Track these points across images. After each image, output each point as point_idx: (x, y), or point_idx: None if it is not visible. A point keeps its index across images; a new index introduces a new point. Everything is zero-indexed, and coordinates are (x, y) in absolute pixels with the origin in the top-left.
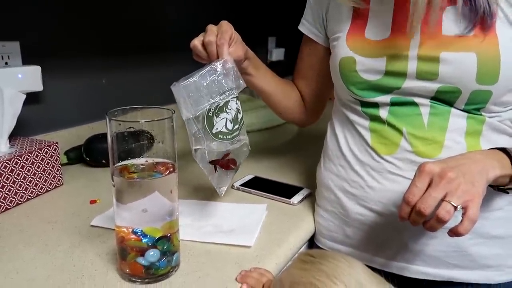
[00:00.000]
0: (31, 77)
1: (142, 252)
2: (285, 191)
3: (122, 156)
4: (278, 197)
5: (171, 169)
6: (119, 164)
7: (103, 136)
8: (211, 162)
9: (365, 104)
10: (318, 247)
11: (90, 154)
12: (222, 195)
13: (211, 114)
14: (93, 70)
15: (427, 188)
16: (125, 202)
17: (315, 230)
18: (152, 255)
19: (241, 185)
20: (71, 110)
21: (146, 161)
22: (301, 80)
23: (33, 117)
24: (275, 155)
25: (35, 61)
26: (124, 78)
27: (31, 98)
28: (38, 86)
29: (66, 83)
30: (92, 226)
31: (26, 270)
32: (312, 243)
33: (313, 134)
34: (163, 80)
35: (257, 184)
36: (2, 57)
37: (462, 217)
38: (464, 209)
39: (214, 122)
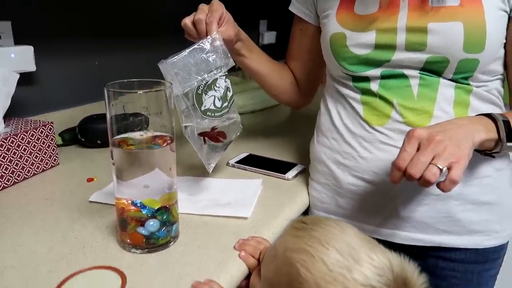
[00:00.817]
0: (23, 57)
1: (142, 223)
2: (280, 167)
3: (120, 131)
4: (273, 172)
5: (169, 141)
6: (118, 137)
7: (98, 117)
8: (200, 134)
9: (356, 79)
10: None
11: (85, 134)
12: (210, 171)
13: (200, 92)
14: (86, 51)
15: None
16: (125, 179)
17: (309, 203)
18: (152, 225)
19: (236, 162)
20: (63, 92)
21: (145, 133)
22: (294, 61)
23: (26, 98)
24: (269, 135)
25: (27, 41)
26: (116, 60)
27: (24, 79)
28: (31, 66)
29: (59, 64)
30: (91, 202)
31: (28, 244)
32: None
33: (305, 115)
34: (156, 62)
35: (252, 161)
36: None
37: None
38: (449, 170)
39: (203, 100)
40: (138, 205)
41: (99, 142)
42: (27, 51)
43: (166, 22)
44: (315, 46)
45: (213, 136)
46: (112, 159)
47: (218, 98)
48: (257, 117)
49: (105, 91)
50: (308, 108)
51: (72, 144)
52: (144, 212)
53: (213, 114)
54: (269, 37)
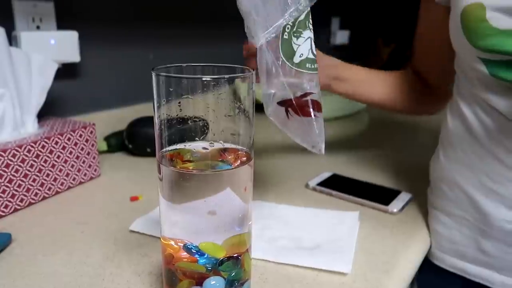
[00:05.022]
0: (66, 44)
1: (198, 280)
2: (378, 195)
3: (174, 138)
4: (370, 202)
5: (245, 159)
6: (170, 148)
7: (150, 120)
8: (280, 104)
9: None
10: (435, 266)
11: (133, 140)
12: (323, 151)
13: (287, 36)
14: (139, 42)
15: None
16: (177, 201)
17: (430, 244)
18: (214, 285)
19: (318, 184)
20: (111, 88)
21: (211, 145)
22: (423, 48)
23: (68, 95)
24: (352, 149)
25: (72, 26)
26: (175, 54)
27: (66, 71)
28: (74, 56)
29: (107, 56)
30: (132, 231)
31: None
32: (423, 263)
33: (393, 123)
34: (223, 57)
35: (338, 184)
36: (33, 19)
37: None
38: None
39: (294, 46)
40: (194, 251)
41: (149, 150)
42: (71, 37)
43: (233, 9)
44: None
45: (300, 106)
46: (160, 173)
47: (315, 42)
48: (333, 126)
49: (153, 75)
50: (396, 116)
51: (119, 150)
52: (201, 262)
53: (312, 66)
54: (341, 37)
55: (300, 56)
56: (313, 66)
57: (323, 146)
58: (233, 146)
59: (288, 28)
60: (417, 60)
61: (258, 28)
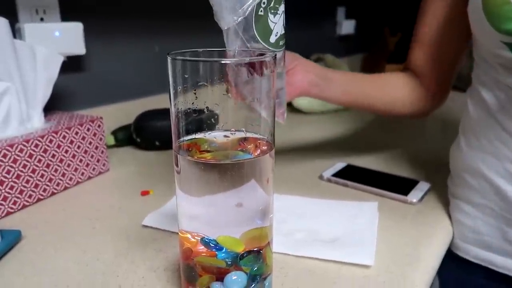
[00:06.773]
0: (71, 37)
1: (219, 275)
2: (395, 185)
3: (190, 128)
4: (388, 192)
5: (266, 148)
6: (187, 138)
7: (157, 113)
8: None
9: None
10: (457, 257)
11: (141, 134)
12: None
13: (262, 13)
14: (145, 34)
15: None
16: (195, 194)
17: (453, 234)
18: (235, 280)
19: (332, 175)
20: (118, 81)
21: (232, 132)
22: (424, 46)
23: (73, 88)
24: (365, 139)
25: (77, 18)
26: (181, 46)
27: (71, 64)
28: (79, 48)
29: (112, 48)
30: (144, 226)
31: None
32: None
33: None
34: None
35: (353, 175)
36: (37, 11)
37: None
38: None
39: (271, 25)
40: (212, 245)
41: (157, 143)
42: (76, 29)
43: None
44: (458, 18)
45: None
46: (177, 166)
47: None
48: (344, 116)
49: (170, 63)
50: None
51: (126, 145)
52: (221, 257)
53: (283, 43)
54: (347, 27)
55: (275, 35)
56: (283, 43)
57: (285, 113)
58: (254, 135)
59: (264, 3)
60: (416, 56)
61: (226, 12)
